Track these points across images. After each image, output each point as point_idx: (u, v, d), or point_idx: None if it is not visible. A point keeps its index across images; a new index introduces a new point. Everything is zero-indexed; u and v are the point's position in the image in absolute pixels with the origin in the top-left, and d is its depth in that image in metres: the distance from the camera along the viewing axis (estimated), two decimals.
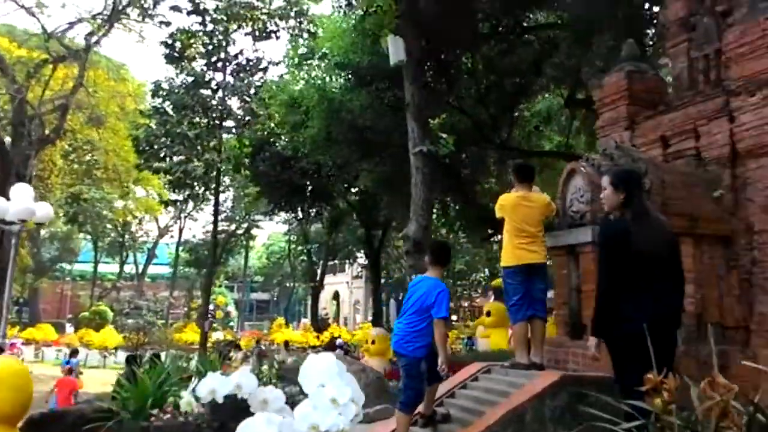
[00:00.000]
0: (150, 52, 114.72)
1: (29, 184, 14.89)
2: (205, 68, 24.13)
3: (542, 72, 14.27)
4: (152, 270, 52.58)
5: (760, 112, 5.90)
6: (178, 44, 23.40)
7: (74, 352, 18.34)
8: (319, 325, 34.45)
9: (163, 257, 52.26)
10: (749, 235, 6.09)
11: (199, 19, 23.53)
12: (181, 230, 44.61)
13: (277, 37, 23.83)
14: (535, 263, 5.73)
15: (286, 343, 25.07)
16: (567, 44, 12.46)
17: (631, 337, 3.77)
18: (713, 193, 6.25)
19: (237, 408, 3.60)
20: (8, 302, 11.00)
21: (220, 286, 49.53)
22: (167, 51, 23.45)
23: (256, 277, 59.46)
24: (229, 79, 24.02)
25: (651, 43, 12.63)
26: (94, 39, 23.86)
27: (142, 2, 23.19)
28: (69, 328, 40.51)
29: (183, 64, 23.70)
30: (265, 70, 24.17)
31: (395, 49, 10.28)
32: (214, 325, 36.65)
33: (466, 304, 36.03)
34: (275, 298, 60.53)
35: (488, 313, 14.12)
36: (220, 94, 23.85)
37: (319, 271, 35.93)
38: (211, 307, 32.97)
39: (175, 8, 23.53)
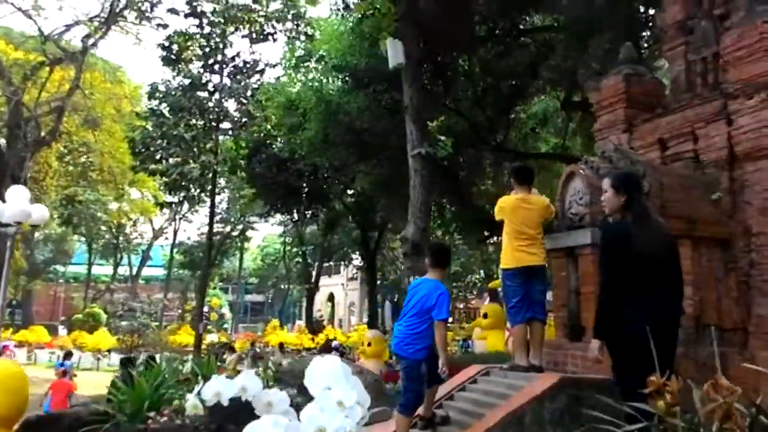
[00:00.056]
0: (147, 54, 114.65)
1: (24, 186, 14.85)
2: (201, 70, 24.14)
3: (539, 74, 14.33)
4: (146, 272, 52.43)
5: (757, 115, 5.93)
6: (175, 46, 23.41)
7: (68, 355, 18.32)
8: (314, 327, 34.40)
9: (157, 259, 52.05)
10: (747, 238, 6.11)
11: (197, 21, 23.56)
12: (175, 232, 44.51)
13: (274, 40, 23.88)
14: (535, 265, 5.74)
15: (281, 345, 25.05)
16: (563, 47, 12.52)
17: (632, 339, 3.79)
18: (711, 195, 6.28)
19: (234, 410, 3.59)
20: (3, 305, 10.95)
21: (214, 288, 49.37)
22: (164, 53, 23.45)
23: (250, 278, 59.38)
24: (226, 81, 24.04)
25: (646, 45, 12.68)
26: (90, 41, 23.89)
27: (140, 5, 23.18)
28: (62, 331, 40.30)
29: (180, 66, 23.70)
30: (262, 72, 24.20)
31: (394, 52, 10.31)
32: (209, 327, 36.53)
33: (461, 306, 36.05)
34: (270, 300, 60.40)
35: (485, 315, 14.16)
36: (216, 96, 23.86)
37: (314, 273, 35.88)
38: (205, 309, 32.87)
39: (173, 11, 23.60)
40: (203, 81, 24.01)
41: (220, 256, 40.06)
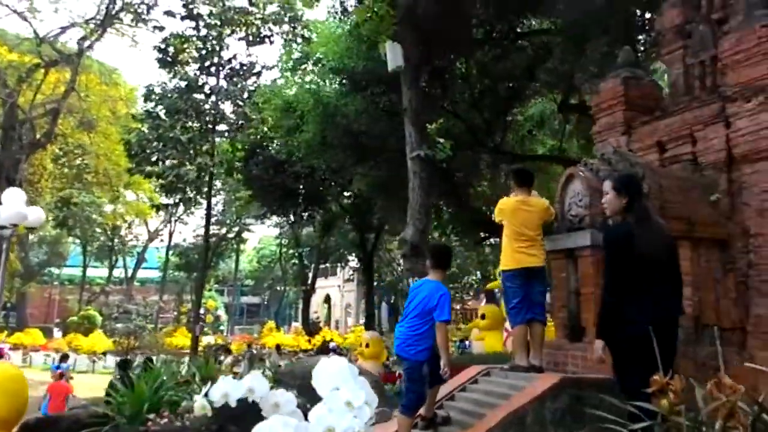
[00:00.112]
0: (143, 56, 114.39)
1: (19, 188, 14.83)
2: (198, 73, 24.13)
3: (536, 77, 14.41)
4: (141, 274, 52.28)
5: (755, 118, 6.00)
6: (171, 49, 23.40)
7: (64, 357, 18.24)
8: (311, 328, 34.39)
9: (152, 261, 51.95)
10: (745, 239, 6.18)
11: (193, 24, 23.56)
12: (171, 234, 44.43)
13: (271, 42, 23.88)
14: (535, 267, 5.77)
15: (278, 347, 25.02)
16: (560, 50, 12.59)
17: (634, 339, 3.83)
18: (710, 197, 6.34)
19: (236, 412, 3.60)
20: None
21: (210, 290, 49.30)
22: (160, 55, 23.42)
23: (246, 280, 59.28)
24: (223, 83, 24.03)
25: (643, 49, 12.76)
26: (86, 43, 23.86)
27: (136, 7, 23.17)
28: (57, 333, 40.17)
29: (176, 68, 23.68)
30: (258, 74, 24.22)
31: (393, 55, 10.35)
32: (205, 329, 36.51)
33: (458, 307, 36.08)
34: (266, 302, 60.32)
35: (483, 316, 14.19)
36: (213, 98, 23.84)
37: (310, 275, 35.89)
38: (201, 311, 32.86)
39: (169, 13, 23.57)
40: (199, 83, 24.02)
41: (216, 258, 40.03)
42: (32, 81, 24.97)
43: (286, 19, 23.17)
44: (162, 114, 23.57)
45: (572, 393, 5.21)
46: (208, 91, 23.96)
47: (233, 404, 2.94)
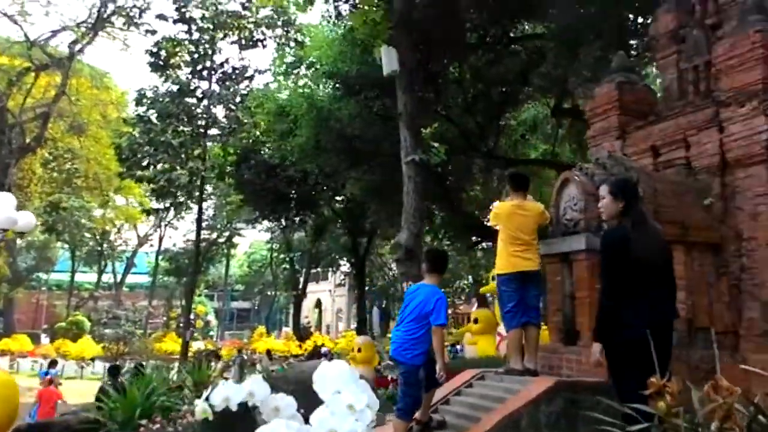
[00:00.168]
0: (134, 60, 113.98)
1: (9, 192, 14.72)
2: (190, 76, 24.05)
3: (529, 81, 14.46)
4: (131, 279, 51.97)
5: (749, 123, 6.05)
6: (163, 52, 23.31)
7: (53, 363, 18.09)
8: (302, 333, 34.29)
9: (141, 266, 51.69)
10: (738, 243, 6.22)
11: (186, 27, 23.49)
12: (161, 239, 44.24)
13: (264, 46, 23.86)
14: (530, 270, 5.79)
15: (269, 352, 24.91)
16: (554, 54, 12.63)
17: (630, 343, 3.85)
18: (703, 201, 6.38)
19: (228, 418, 3.58)
20: None
21: (200, 295, 49.07)
22: (152, 59, 23.33)
23: (236, 285, 59.09)
24: (215, 87, 23.97)
25: (636, 53, 12.84)
26: (77, 47, 23.76)
27: (128, 11, 23.10)
28: (45, 339, 39.90)
29: (168, 72, 23.59)
30: (251, 78, 24.15)
31: (388, 60, 10.36)
32: (195, 334, 36.30)
33: (449, 312, 36.09)
34: (256, 307, 60.12)
35: (476, 320, 14.17)
36: (205, 102, 23.77)
37: (301, 280, 35.81)
38: (191, 316, 32.70)
39: (161, 17, 23.51)
40: (191, 87, 23.93)
41: (206, 262, 39.87)
42: (22, 85, 24.82)
43: (279, 23, 23.15)
44: (153, 118, 23.48)
45: (567, 396, 5.23)
46: (200, 95, 23.88)
47: (234, 408, 2.93)
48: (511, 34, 14.45)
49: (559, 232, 6.32)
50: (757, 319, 6.01)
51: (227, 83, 23.95)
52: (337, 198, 21.64)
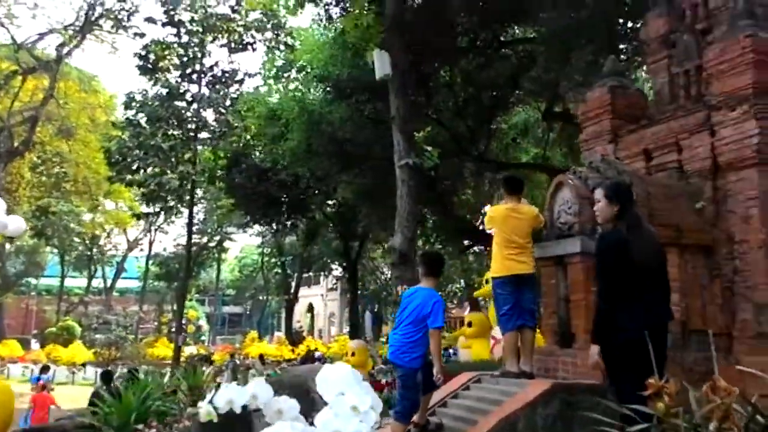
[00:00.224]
0: (122, 62, 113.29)
1: None
2: (179, 80, 23.95)
3: (519, 85, 14.53)
4: (121, 284, 51.66)
5: (740, 127, 6.12)
6: (152, 56, 23.21)
7: (45, 368, 18.02)
8: (294, 338, 34.22)
9: (132, 271, 51.39)
10: (730, 245, 6.28)
11: (174, 30, 23.39)
12: (151, 243, 44.02)
13: (254, 49, 23.80)
14: (524, 274, 5.81)
15: (261, 357, 24.86)
16: (544, 58, 12.71)
17: (627, 346, 3.89)
18: (695, 204, 6.44)
19: (225, 422, 3.58)
20: None
21: (191, 299, 48.86)
22: (141, 62, 23.23)
23: (228, 290, 58.87)
24: (205, 90, 23.89)
25: (626, 58, 12.94)
26: (65, 50, 23.62)
27: (116, 14, 22.99)
28: (35, 344, 39.60)
29: (157, 75, 23.48)
30: (240, 82, 24.09)
31: (381, 63, 10.38)
32: (186, 339, 36.14)
33: None
34: (248, 312, 59.93)
35: (469, 324, 14.18)
36: (195, 106, 23.68)
37: (293, 284, 35.73)
38: (183, 321, 32.56)
39: (150, 20, 23.37)
40: (181, 90, 23.83)
41: (197, 267, 39.71)
42: (10, 88, 24.69)
43: (269, 27, 23.11)
44: (143, 122, 23.37)
45: (563, 398, 5.25)
46: (190, 99, 23.79)
47: (238, 411, 2.94)
48: (502, 38, 14.52)
49: (554, 235, 6.36)
50: (750, 321, 6.06)
51: (217, 86, 23.88)
52: (329, 202, 21.63)
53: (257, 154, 19.57)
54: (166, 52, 23.63)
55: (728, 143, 6.23)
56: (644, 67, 12.64)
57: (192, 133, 23.56)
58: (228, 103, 23.36)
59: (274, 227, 24.29)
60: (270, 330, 52.80)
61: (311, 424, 2.73)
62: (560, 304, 6.27)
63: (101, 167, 27.58)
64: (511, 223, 5.86)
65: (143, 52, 23.30)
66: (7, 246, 37.77)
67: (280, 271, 37.45)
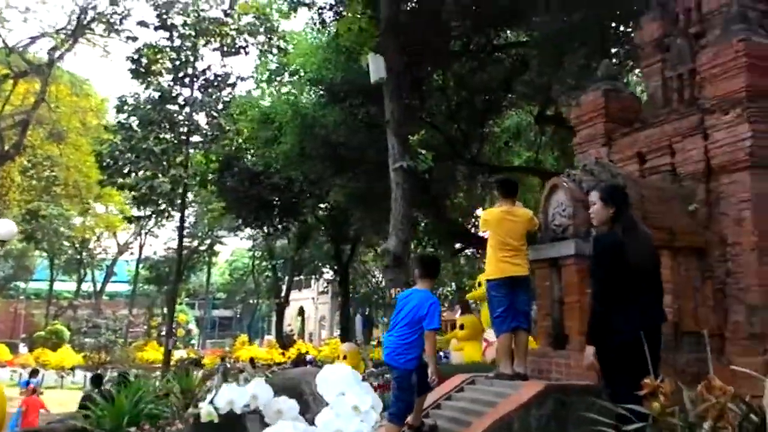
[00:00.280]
0: (114, 66, 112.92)
1: None
2: (172, 83, 23.78)
3: (512, 89, 14.60)
4: (111, 288, 51.30)
5: (733, 130, 6.18)
6: (144, 59, 23.06)
7: (34, 372, 17.89)
8: (285, 341, 34.10)
9: (122, 275, 51.08)
10: (723, 248, 6.33)
11: (167, 34, 23.21)
12: (141, 247, 43.81)
13: (246, 53, 23.69)
14: (519, 276, 5.83)
15: (252, 361, 24.75)
16: (537, 62, 12.78)
17: (622, 348, 3.91)
18: (688, 207, 6.49)
19: (219, 424, 3.57)
20: None
21: (181, 303, 48.62)
22: (133, 66, 23.09)
23: (218, 293, 58.63)
24: (197, 94, 23.72)
25: (618, 61, 13.02)
26: (57, 54, 23.49)
27: (108, 17, 22.89)
28: (23, 348, 39.28)
29: (149, 79, 23.35)
30: (233, 85, 23.97)
31: (376, 67, 10.39)
32: (176, 343, 35.94)
33: None
34: (238, 315, 59.70)
35: (462, 327, 14.22)
36: (187, 109, 23.56)
37: (284, 287, 35.63)
38: (173, 324, 32.40)
39: (142, 23, 23.24)
40: (173, 94, 23.64)
41: (188, 270, 39.56)
42: (1, 92, 24.53)
43: (262, 30, 23.00)
44: (135, 125, 23.19)
45: (557, 400, 5.27)
46: (182, 102, 23.61)
47: (239, 411, 2.94)
48: (495, 42, 14.59)
49: (548, 237, 6.39)
50: (743, 323, 6.11)
51: (209, 90, 23.74)
52: (321, 205, 21.62)
53: (249, 157, 19.54)
54: (159, 56, 23.47)
55: (721, 146, 6.29)
56: (636, 71, 12.74)
57: (184, 137, 23.39)
58: (220, 106, 23.21)
59: (266, 230, 24.24)
60: (260, 333, 52.61)
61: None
62: (554, 306, 6.30)
63: (92, 171, 27.43)
64: (506, 226, 5.89)
65: (135, 56, 23.12)
66: None
67: (270, 274, 37.35)
